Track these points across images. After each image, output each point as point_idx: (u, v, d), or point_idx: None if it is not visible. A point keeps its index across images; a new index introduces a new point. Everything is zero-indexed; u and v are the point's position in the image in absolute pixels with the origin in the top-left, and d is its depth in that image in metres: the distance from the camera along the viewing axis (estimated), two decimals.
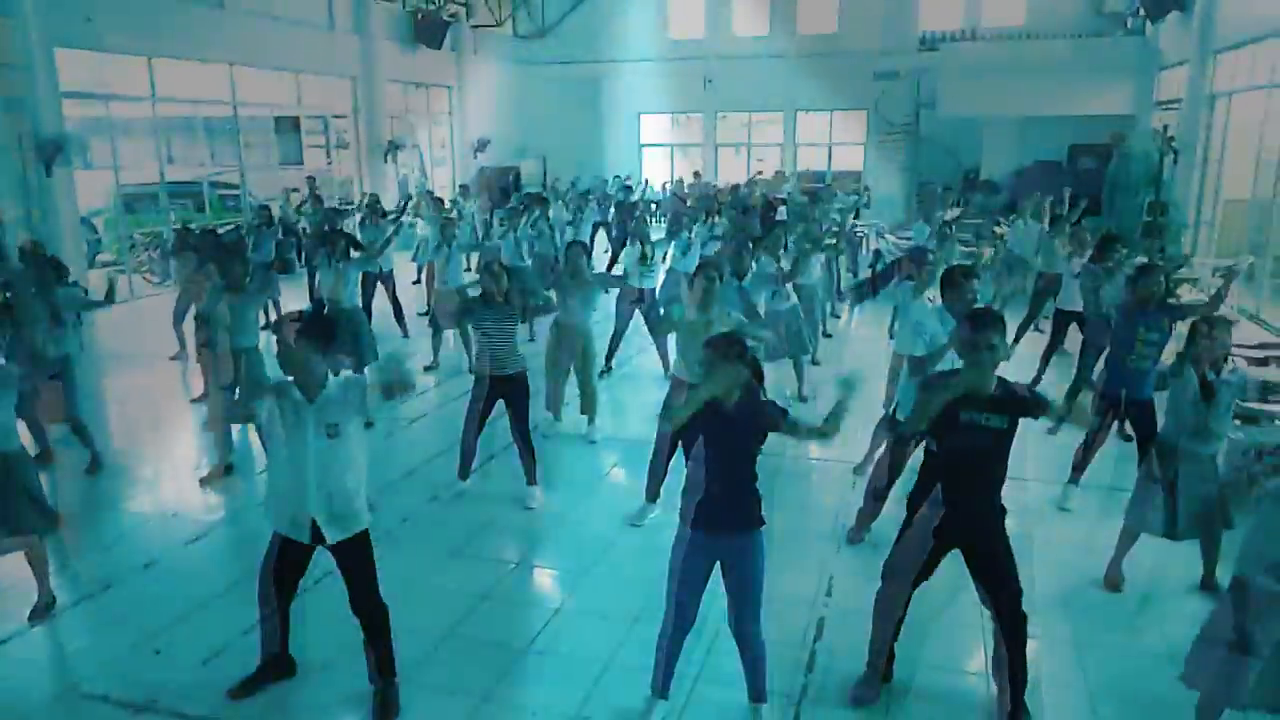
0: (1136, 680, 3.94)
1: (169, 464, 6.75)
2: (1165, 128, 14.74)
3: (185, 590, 4.71)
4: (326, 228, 9.89)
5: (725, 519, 3.41)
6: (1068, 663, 4.06)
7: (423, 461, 6.60)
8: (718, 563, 3.48)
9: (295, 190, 15.83)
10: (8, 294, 6.57)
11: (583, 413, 7.09)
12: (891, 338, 7.95)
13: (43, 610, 4.48)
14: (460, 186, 16.33)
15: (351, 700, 3.79)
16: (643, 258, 8.83)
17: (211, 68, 14.58)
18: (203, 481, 6.24)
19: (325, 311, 3.82)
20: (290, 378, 3.50)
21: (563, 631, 4.35)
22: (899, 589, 3.70)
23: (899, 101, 21.44)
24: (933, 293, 5.49)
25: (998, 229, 13.52)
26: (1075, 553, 5.10)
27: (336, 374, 3.66)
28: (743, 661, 3.57)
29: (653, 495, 5.65)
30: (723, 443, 3.36)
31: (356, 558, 3.63)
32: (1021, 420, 3.44)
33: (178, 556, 5.18)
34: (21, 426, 6.48)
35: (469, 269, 11.34)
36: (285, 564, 3.69)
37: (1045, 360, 8.20)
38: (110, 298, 6.76)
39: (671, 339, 6.74)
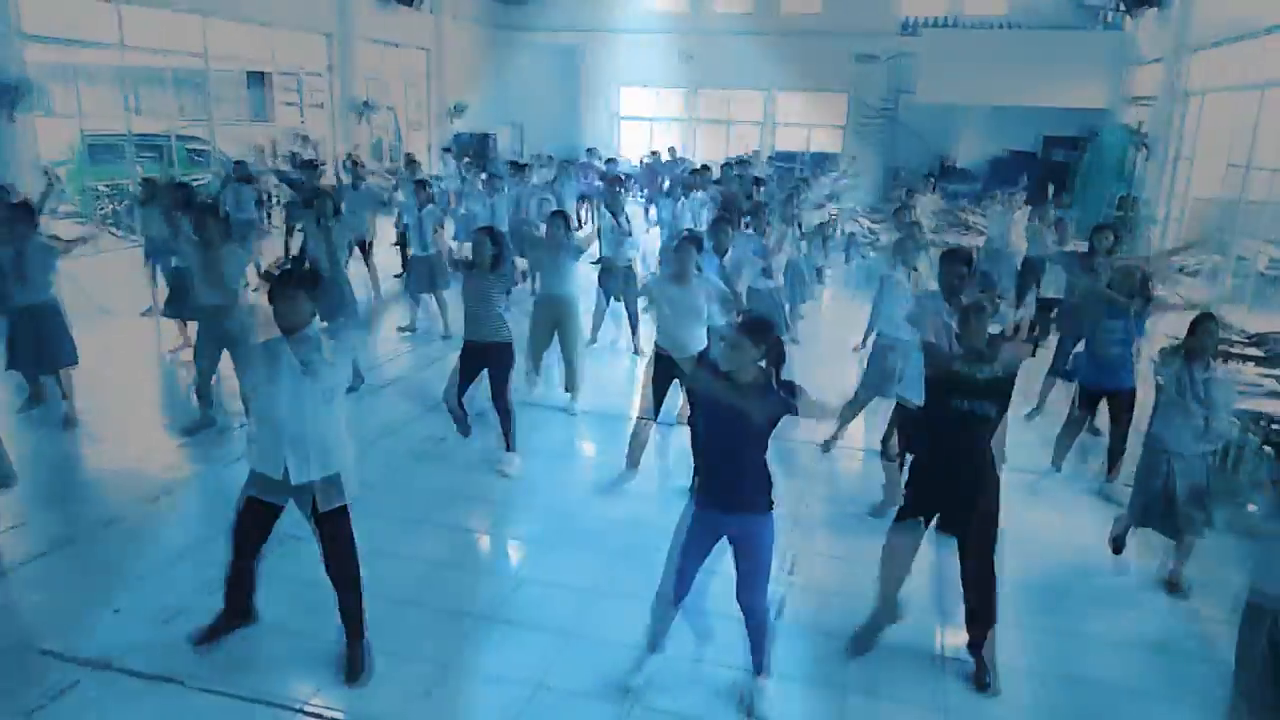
0: (1085, 665, 4.05)
1: (133, 420, 6.65)
2: (1139, 124, 14.92)
3: (146, 548, 4.66)
4: (314, 189, 9.68)
5: (727, 500, 3.42)
6: (1019, 645, 4.15)
7: (397, 425, 6.57)
8: (724, 538, 3.52)
9: (264, 148, 15.52)
10: None
11: (566, 388, 7.03)
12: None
13: None
14: (443, 149, 16.05)
15: (314, 659, 3.78)
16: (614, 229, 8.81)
17: (182, 17, 14.19)
18: (185, 431, 6.21)
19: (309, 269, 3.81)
20: (276, 322, 3.53)
21: (526, 601, 4.36)
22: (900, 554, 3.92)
23: (878, 86, 21.46)
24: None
25: (970, 216, 13.65)
26: (1041, 539, 5.19)
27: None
28: (747, 631, 3.62)
29: (633, 463, 5.68)
30: (727, 424, 3.32)
31: (330, 509, 3.61)
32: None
33: (139, 514, 5.11)
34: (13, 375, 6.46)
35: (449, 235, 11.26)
36: (252, 516, 3.69)
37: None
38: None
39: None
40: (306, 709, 3.54)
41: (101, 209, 14.20)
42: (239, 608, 3.88)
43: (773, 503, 3.47)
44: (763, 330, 3.37)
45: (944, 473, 3.77)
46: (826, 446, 6.27)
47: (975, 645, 3.87)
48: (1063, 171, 18.41)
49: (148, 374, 7.77)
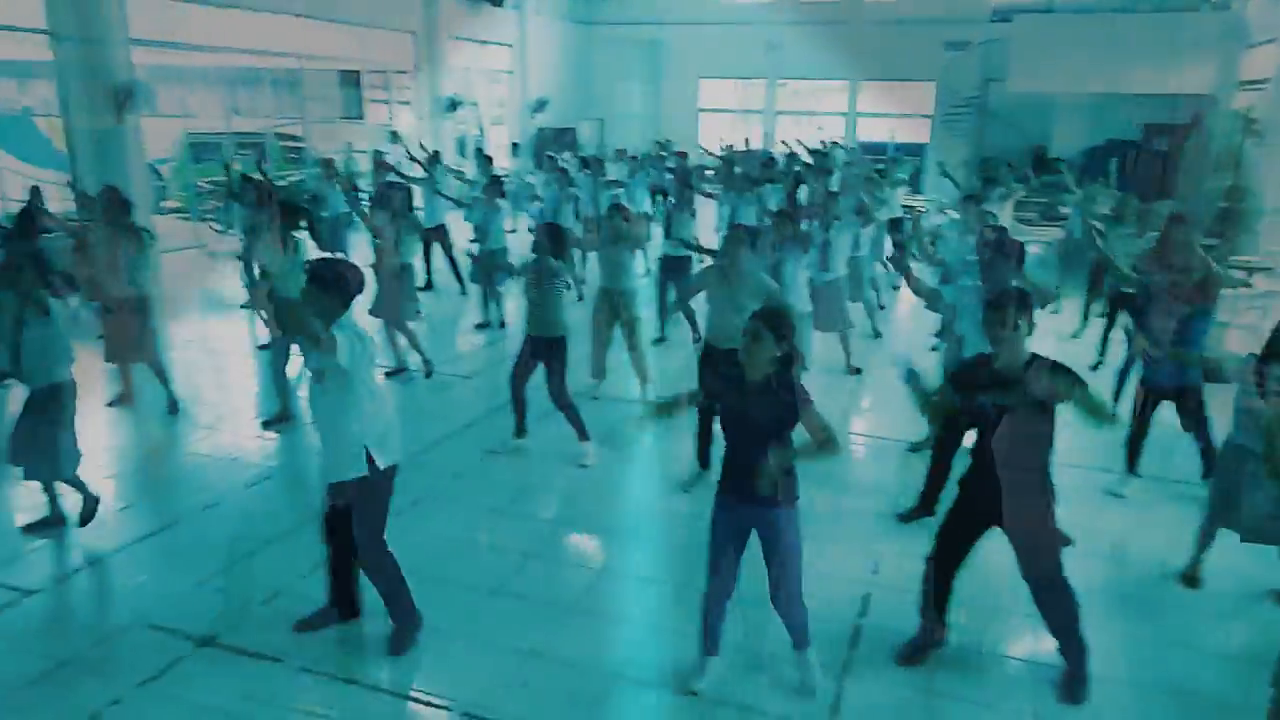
0: (1189, 678, 3.87)
1: (231, 409, 6.94)
2: (1249, 109, 14.17)
3: (246, 531, 4.86)
4: (383, 187, 9.97)
5: (745, 491, 3.41)
6: (1119, 656, 3.99)
7: (475, 418, 6.70)
8: (755, 531, 3.52)
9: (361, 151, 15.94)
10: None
11: (638, 378, 7.10)
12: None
13: (90, 513, 4.85)
14: (512, 144, 16.24)
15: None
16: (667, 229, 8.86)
17: (278, 19, 14.72)
18: (265, 425, 6.44)
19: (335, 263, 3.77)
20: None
21: (607, 592, 4.41)
22: (942, 557, 3.80)
23: (967, 74, 20.87)
24: None
25: (1064, 209, 13.19)
26: (1132, 543, 5.01)
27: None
28: (786, 628, 3.63)
29: (703, 462, 5.66)
30: (743, 418, 3.37)
31: (352, 502, 3.70)
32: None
33: (239, 499, 5.35)
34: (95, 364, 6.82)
35: (514, 230, 11.52)
36: (332, 508, 3.80)
37: (1104, 342, 8.00)
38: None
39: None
40: (398, 692, 3.65)
41: (202, 205, 14.85)
42: (342, 601, 4.00)
43: (795, 498, 3.44)
44: (784, 324, 3.34)
45: (978, 478, 3.63)
46: (915, 447, 6.14)
47: (1061, 652, 3.75)
48: (1165, 162, 17.63)
49: (244, 365, 8.10)
